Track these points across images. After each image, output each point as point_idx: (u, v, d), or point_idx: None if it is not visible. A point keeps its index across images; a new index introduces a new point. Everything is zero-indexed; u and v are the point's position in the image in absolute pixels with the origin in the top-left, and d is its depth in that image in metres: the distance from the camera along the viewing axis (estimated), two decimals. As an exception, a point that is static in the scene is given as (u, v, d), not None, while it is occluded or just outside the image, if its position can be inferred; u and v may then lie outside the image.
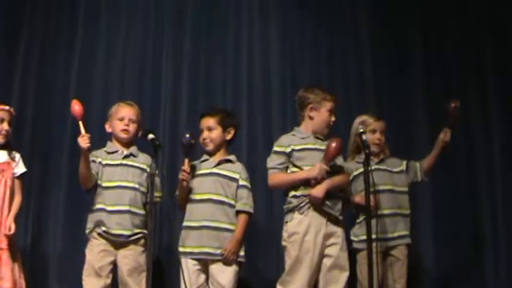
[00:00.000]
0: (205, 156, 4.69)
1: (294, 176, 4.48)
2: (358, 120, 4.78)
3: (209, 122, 4.66)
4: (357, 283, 4.62)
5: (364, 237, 4.33)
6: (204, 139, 4.65)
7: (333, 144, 4.40)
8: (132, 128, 4.66)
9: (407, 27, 5.67)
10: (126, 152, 4.66)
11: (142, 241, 4.49)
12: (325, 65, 5.65)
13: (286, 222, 4.49)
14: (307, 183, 4.42)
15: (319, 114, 4.58)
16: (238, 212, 4.55)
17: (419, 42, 5.66)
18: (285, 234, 4.48)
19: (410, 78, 5.59)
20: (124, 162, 4.63)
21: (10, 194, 4.61)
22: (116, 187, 4.56)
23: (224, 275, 4.44)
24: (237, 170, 4.62)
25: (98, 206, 4.56)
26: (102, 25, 5.79)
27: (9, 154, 4.68)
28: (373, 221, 4.29)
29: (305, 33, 5.71)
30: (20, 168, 4.71)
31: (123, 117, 4.66)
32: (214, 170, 4.60)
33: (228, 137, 4.69)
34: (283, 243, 4.48)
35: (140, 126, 4.70)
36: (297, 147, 4.51)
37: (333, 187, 4.43)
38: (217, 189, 4.55)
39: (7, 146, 4.71)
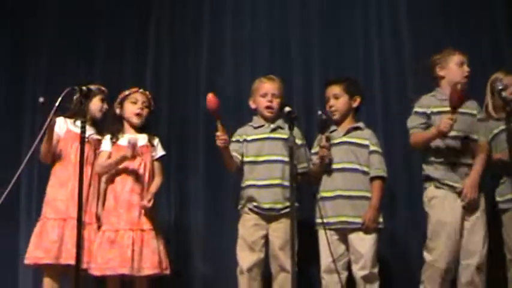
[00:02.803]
0: (333, 127, 4.68)
1: (426, 134, 4.43)
2: (490, 79, 4.63)
3: (335, 89, 4.66)
4: (504, 246, 4.48)
5: (510, 196, 4.26)
6: (330, 107, 4.65)
7: (453, 90, 4.27)
8: (275, 103, 4.68)
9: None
10: (272, 125, 4.69)
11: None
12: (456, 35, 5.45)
13: (425, 188, 4.47)
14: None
15: (448, 70, 4.53)
16: (372, 179, 4.53)
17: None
18: (425, 200, 4.47)
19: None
20: (272, 135, 4.66)
21: (149, 177, 4.73)
22: (265, 161, 4.60)
23: (364, 243, 4.44)
24: (366, 137, 4.59)
25: (248, 182, 4.61)
26: (229, 5, 5.84)
27: (149, 138, 4.80)
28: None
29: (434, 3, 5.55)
30: (159, 152, 4.83)
31: (265, 93, 4.69)
32: (344, 139, 4.59)
33: (354, 104, 4.67)
34: (426, 208, 4.46)
35: (283, 99, 4.70)
36: (435, 110, 4.45)
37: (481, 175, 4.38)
38: (349, 158, 4.54)
39: (146, 130, 4.84)
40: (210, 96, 4.38)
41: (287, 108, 4.19)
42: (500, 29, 5.39)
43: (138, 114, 4.79)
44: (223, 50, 5.73)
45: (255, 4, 5.79)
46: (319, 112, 4.52)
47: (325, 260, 4.48)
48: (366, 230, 4.44)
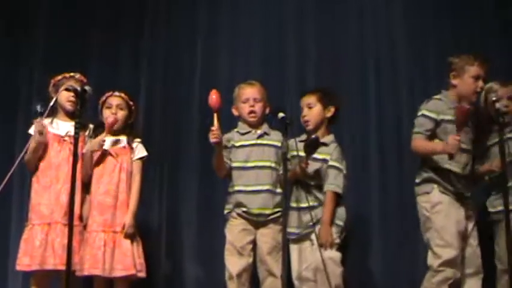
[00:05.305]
0: (303, 136, 4.65)
1: (433, 147, 4.34)
2: (484, 88, 4.48)
3: (309, 99, 4.64)
4: (495, 256, 4.47)
5: (501, 207, 4.20)
6: (303, 117, 4.64)
7: (461, 109, 4.17)
8: (258, 107, 4.66)
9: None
10: (259, 131, 4.68)
11: (281, 219, 4.42)
12: (449, 26, 5.42)
13: (427, 192, 4.38)
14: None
15: (462, 82, 4.38)
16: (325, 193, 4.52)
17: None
18: (426, 205, 4.36)
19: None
20: (259, 142, 4.65)
21: (128, 178, 4.70)
22: (254, 167, 4.59)
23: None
24: (329, 152, 4.55)
25: (237, 187, 4.59)
26: (224, 8, 5.85)
27: (127, 140, 4.77)
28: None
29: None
30: (139, 153, 4.78)
31: (247, 98, 4.68)
32: None
33: (328, 114, 4.63)
34: (426, 214, 4.36)
35: (267, 103, 4.70)
36: (446, 117, 4.34)
37: None
38: (309, 170, 4.50)
39: (126, 132, 4.80)
40: (214, 93, 4.40)
41: (281, 114, 4.23)
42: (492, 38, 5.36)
43: (110, 119, 4.73)
44: (218, 50, 5.75)
45: (251, 5, 5.80)
46: (314, 136, 4.48)
47: (295, 267, 4.50)
48: (322, 246, 4.40)
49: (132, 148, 4.77)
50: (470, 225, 4.38)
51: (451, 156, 4.22)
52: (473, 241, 4.37)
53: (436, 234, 4.28)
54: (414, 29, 5.48)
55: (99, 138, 4.63)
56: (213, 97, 4.40)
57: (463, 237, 4.32)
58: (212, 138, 4.43)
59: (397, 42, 5.49)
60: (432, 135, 4.38)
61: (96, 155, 4.68)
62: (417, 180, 4.44)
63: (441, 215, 4.29)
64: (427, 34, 5.43)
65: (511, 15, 5.29)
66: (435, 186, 4.35)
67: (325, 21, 5.62)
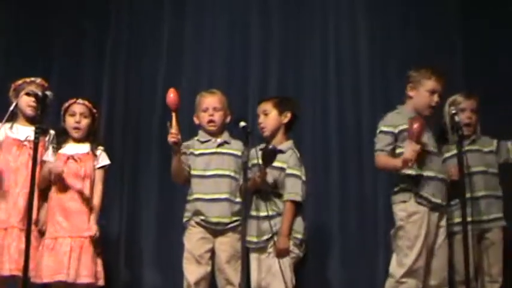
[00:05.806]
0: (263, 145, 4.61)
1: (391, 163, 4.34)
2: (449, 100, 4.58)
3: (265, 106, 4.63)
4: (452, 268, 4.48)
5: (459, 219, 4.22)
6: (259, 124, 4.63)
7: (415, 125, 4.19)
8: (217, 116, 4.66)
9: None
10: (219, 140, 4.67)
11: (240, 228, 4.44)
12: (416, 43, 5.45)
13: (404, 201, 4.36)
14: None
15: (418, 94, 4.43)
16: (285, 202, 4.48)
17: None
18: (402, 214, 4.35)
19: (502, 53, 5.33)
20: (219, 150, 4.64)
21: (90, 185, 4.66)
22: (213, 176, 4.57)
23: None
24: (284, 159, 4.52)
25: (196, 195, 4.57)
26: (189, 12, 5.84)
27: (91, 147, 4.73)
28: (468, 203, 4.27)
29: (392, 11, 5.58)
30: (101, 161, 4.74)
31: (206, 107, 4.68)
32: None
33: (285, 120, 4.61)
34: (401, 223, 4.35)
35: (227, 112, 4.70)
36: (404, 127, 4.33)
37: None
38: (268, 179, 4.47)
39: (90, 140, 4.76)
40: (172, 91, 4.37)
41: (242, 123, 4.24)
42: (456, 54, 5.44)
43: (76, 128, 4.71)
44: (182, 56, 5.74)
45: (215, 6, 5.82)
46: (271, 146, 4.44)
47: (255, 277, 4.48)
48: (279, 256, 4.38)
49: (95, 155, 4.73)
50: (442, 237, 4.40)
51: (411, 163, 4.22)
52: (442, 253, 4.39)
53: (408, 244, 4.30)
54: (377, 31, 5.55)
55: (61, 167, 4.55)
56: (171, 96, 4.37)
57: (431, 249, 4.34)
58: (170, 139, 4.40)
59: (359, 44, 5.55)
60: (394, 148, 4.39)
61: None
62: (394, 189, 4.45)
63: (416, 224, 4.30)
64: (390, 37, 5.52)
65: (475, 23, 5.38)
66: (412, 195, 4.35)
67: (288, 26, 5.69)
